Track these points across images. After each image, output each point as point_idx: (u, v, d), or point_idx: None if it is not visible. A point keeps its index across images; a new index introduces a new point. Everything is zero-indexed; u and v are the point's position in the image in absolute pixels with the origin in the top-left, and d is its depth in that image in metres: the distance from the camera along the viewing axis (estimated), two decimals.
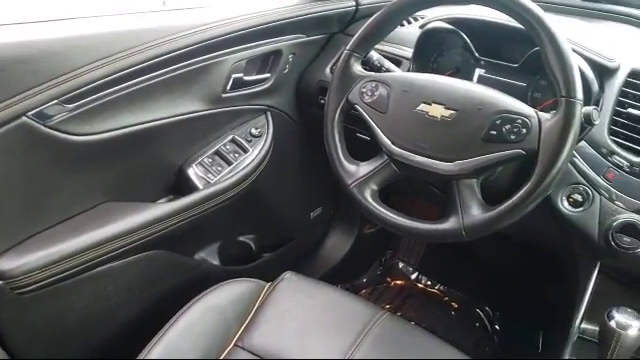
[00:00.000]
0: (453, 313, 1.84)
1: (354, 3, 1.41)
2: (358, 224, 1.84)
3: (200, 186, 1.21)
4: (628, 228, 0.98)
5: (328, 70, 1.38)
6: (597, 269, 1.09)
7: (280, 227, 1.65)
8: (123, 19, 1.06)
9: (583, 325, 1.09)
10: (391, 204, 1.02)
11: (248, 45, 1.21)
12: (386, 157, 1.01)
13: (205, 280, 1.14)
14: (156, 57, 1.02)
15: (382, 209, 1.01)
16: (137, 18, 1.08)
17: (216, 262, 1.44)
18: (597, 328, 0.89)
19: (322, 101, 1.31)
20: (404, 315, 1.80)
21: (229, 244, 1.48)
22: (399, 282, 1.96)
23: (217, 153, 1.27)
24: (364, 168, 1.03)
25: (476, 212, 0.92)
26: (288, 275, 1.16)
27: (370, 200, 1.02)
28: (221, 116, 1.25)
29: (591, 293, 1.09)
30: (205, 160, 1.25)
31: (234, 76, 1.22)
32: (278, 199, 1.55)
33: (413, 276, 1.97)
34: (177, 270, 1.29)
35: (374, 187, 1.03)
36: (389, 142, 0.99)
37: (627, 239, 0.97)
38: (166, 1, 1.20)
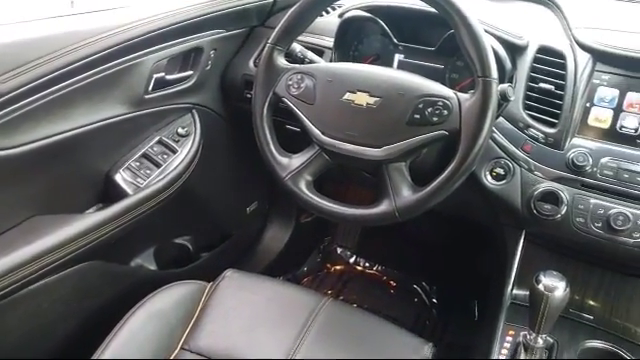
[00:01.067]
0: (392, 291, 1.90)
1: None
2: (295, 215, 1.85)
3: (130, 192, 1.18)
4: (548, 196, 1.04)
5: (252, 64, 1.37)
6: (523, 237, 1.15)
7: (217, 225, 1.63)
8: (33, 25, 1.01)
9: (514, 291, 1.15)
10: (325, 192, 1.04)
11: (168, 44, 1.18)
12: (317, 147, 1.03)
13: (144, 286, 1.12)
14: (73, 62, 0.98)
15: (317, 198, 1.02)
16: (49, 23, 1.03)
17: (153, 267, 1.41)
18: (527, 293, 0.94)
19: (248, 95, 1.31)
20: (346, 299, 1.83)
21: (165, 247, 1.45)
22: (339, 267, 1.99)
23: (145, 156, 1.24)
24: (297, 160, 1.04)
25: (407, 193, 0.96)
26: (229, 273, 1.15)
27: (305, 191, 1.03)
28: (145, 118, 1.22)
29: (519, 260, 1.15)
30: (133, 164, 1.21)
31: (155, 76, 1.19)
32: (212, 197, 1.53)
33: (352, 260, 2.00)
34: (114, 279, 1.26)
35: (308, 178, 1.04)
36: (319, 132, 1.01)
37: (547, 206, 1.04)
38: (74, 1, 1.15)
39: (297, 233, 1.86)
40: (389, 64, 1.25)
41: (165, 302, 1.08)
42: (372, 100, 0.97)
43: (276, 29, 1.06)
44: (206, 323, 1.06)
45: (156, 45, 1.15)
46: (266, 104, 1.06)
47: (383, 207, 0.97)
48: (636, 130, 1.03)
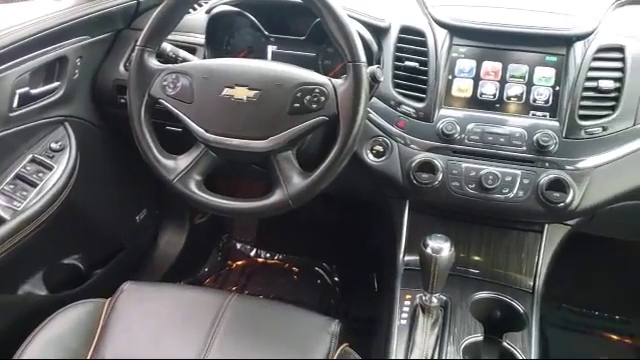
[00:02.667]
0: (296, 277, 1.94)
1: None
2: (188, 217, 1.82)
3: (7, 217, 1.10)
4: (424, 166, 1.12)
5: (122, 68, 1.33)
6: (408, 207, 1.23)
7: (106, 239, 1.57)
8: None
9: (406, 258, 1.22)
10: (217, 190, 1.04)
11: (28, 56, 1.11)
12: (203, 146, 1.02)
13: (38, 314, 1.06)
14: None
15: (210, 197, 1.02)
16: None
17: (44, 292, 1.33)
18: (418, 257, 1.01)
19: (122, 101, 1.27)
20: (251, 292, 1.85)
21: (54, 270, 1.38)
22: (240, 262, 2.00)
23: (18, 177, 1.16)
24: (183, 161, 1.03)
25: (297, 180, 0.98)
26: (127, 286, 1.12)
27: (196, 191, 1.02)
28: (14, 137, 1.14)
29: (407, 229, 1.23)
30: (6, 188, 1.13)
31: (19, 91, 1.12)
32: (97, 211, 1.47)
33: (252, 253, 2.02)
34: (2, 311, 1.18)
35: (197, 177, 1.03)
36: (202, 130, 1.00)
37: (425, 175, 1.12)
38: None
39: (193, 235, 1.83)
40: (263, 56, 1.27)
41: (62, 326, 1.03)
42: (252, 93, 0.98)
43: (144, 30, 1.04)
44: (110, 341, 1.02)
45: (16, 59, 1.08)
46: (143, 108, 1.04)
47: (276, 197, 0.99)
48: (494, 96, 1.14)
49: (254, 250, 2.02)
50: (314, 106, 0.95)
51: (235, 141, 0.99)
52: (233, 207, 1.02)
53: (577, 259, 1.56)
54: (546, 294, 1.19)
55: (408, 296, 1.14)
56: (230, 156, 1.03)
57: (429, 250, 0.97)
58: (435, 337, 1.04)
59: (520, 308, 1.13)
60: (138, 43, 1.04)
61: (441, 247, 0.97)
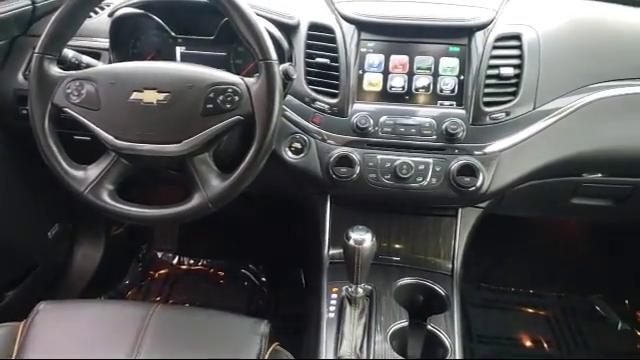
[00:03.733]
0: (222, 282, 1.91)
1: (30, 1, 1.29)
2: (104, 228, 1.75)
3: None
4: (342, 160, 1.14)
5: (21, 77, 1.25)
6: (329, 201, 1.25)
7: (17, 258, 1.48)
8: None
9: (331, 251, 1.24)
10: (133, 198, 1.00)
11: None
12: (113, 154, 0.99)
13: None
14: None
15: (125, 206, 0.99)
16: None
17: None
18: (342, 250, 1.02)
19: (24, 111, 1.20)
20: (176, 301, 1.80)
21: None
22: (162, 272, 1.94)
23: None
24: (93, 171, 0.99)
25: (216, 183, 0.97)
26: (42, 306, 1.06)
27: (109, 201, 0.99)
28: None
29: (330, 223, 1.25)
30: None
31: None
32: (4, 229, 1.38)
33: (175, 261, 1.97)
34: None
35: (110, 187, 0.99)
36: (112, 138, 0.96)
37: (343, 169, 1.13)
38: None
39: (110, 247, 1.76)
40: (171, 58, 1.24)
41: None
42: (162, 96, 0.95)
43: (42, 36, 0.98)
44: None
45: None
46: (46, 118, 0.98)
47: (195, 201, 0.97)
48: (403, 88, 1.17)
49: (176, 258, 1.97)
50: (228, 106, 0.94)
51: (147, 146, 0.96)
52: (150, 215, 0.99)
53: (492, 240, 1.64)
54: (465, 275, 1.25)
55: (335, 289, 1.15)
56: (143, 162, 1.00)
57: (352, 242, 0.99)
58: (363, 327, 1.06)
59: (441, 291, 1.17)
60: (36, 50, 0.99)
61: (363, 238, 0.99)
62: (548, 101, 1.14)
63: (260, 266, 1.92)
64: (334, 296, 1.14)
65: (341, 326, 1.07)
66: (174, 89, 0.95)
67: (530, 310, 1.83)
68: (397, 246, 1.26)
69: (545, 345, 1.70)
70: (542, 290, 1.87)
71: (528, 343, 1.71)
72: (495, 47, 1.14)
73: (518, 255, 1.86)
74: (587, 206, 1.32)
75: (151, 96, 0.96)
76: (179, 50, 1.24)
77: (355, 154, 1.14)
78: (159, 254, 1.97)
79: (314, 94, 1.16)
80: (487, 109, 1.13)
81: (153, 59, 1.24)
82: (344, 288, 1.09)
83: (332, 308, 1.12)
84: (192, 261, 1.96)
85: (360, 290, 1.05)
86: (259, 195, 1.51)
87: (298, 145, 1.16)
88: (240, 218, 1.87)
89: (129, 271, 1.89)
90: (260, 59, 0.93)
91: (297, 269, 1.86)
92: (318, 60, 1.17)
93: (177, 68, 1.00)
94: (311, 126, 1.16)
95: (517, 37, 1.15)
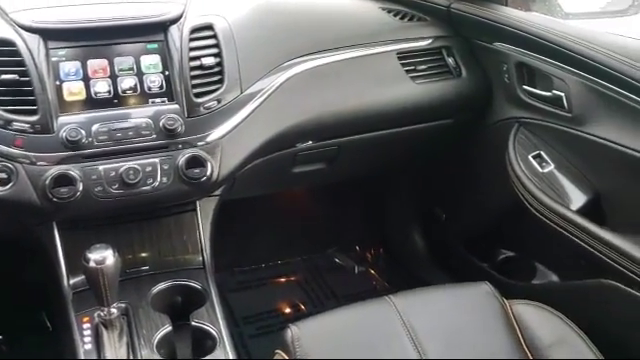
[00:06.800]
0: None
1: None
2: None
3: None
4: (60, 180, 1.04)
5: None
6: (56, 228, 1.13)
7: None
8: None
9: (71, 281, 1.13)
10: None
11: None
12: None
13: None
14: None
15: None
16: None
17: None
18: (84, 276, 0.95)
19: None
20: None
21: None
22: None
23: None
24: None
25: None
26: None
27: None
28: None
29: (63, 251, 1.13)
30: None
31: None
32: None
33: None
34: None
35: None
36: None
37: (64, 189, 1.03)
38: None
39: None
40: None
41: None
42: None
43: None
44: None
45: None
46: None
47: None
48: (109, 92, 1.12)
49: None
50: None
51: None
52: None
53: (234, 225, 1.71)
54: (217, 265, 1.27)
55: (86, 318, 1.07)
56: None
57: (92, 264, 0.92)
58: (125, 346, 1.01)
59: (197, 285, 1.18)
60: None
61: (104, 256, 0.93)
62: (252, 84, 1.21)
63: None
64: (87, 326, 1.06)
65: (102, 354, 1.00)
66: None
67: (283, 280, 1.96)
68: (143, 255, 1.22)
69: (302, 307, 1.84)
70: (289, 258, 2.02)
71: (288, 310, 1.82)
72: (192, 39, 1.17)
73: (261, 233, 1.96)
74: (306, 172, 1.46)
75: None
76: None
77: (74, 170, 1.05)
78: None
79: (8, 115, 1.03)
80: (199, 100, 1.15)
81: None
82: (96, 315, 1.02)
83: (87, 339, 1.04)
84: None
85: (114, 310, 0.98)
86: None
87: (3, 175, 1.03)
88: None
89: None
90: None
91: (39, 314, 1.64)
92: (3, 77, 1.04)
93: None
94: (13, 150, 1.03)
95: (210, 27, 1.19)
